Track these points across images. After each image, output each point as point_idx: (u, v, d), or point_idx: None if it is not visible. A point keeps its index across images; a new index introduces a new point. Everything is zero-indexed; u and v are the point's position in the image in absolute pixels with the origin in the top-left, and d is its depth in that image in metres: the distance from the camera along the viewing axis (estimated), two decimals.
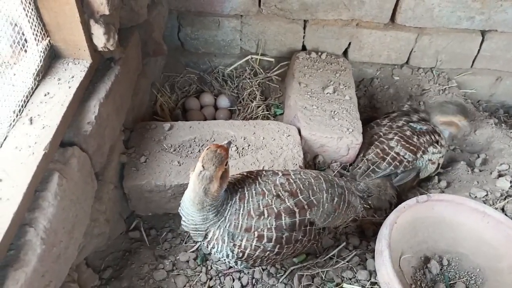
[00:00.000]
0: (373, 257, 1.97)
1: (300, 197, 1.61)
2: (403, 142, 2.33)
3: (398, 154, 2.31)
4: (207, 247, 1.61)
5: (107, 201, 1.88)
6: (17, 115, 1.51)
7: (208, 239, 1.56)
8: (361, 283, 1.95)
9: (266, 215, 1.54)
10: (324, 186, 1.70)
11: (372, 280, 1.95)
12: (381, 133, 2.41)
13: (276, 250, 1.58)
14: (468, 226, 1.99)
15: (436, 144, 2.37)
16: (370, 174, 2.29)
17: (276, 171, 1.69)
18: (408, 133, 2.37)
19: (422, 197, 1.96)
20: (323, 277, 1.97)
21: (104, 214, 1.86)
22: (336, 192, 1.73)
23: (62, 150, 1.54)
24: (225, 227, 1.52)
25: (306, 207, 1.61)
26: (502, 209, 2.15)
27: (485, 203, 2.16)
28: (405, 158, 2.30)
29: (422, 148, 2.33)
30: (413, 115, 2.49)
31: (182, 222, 1.59)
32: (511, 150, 2.48)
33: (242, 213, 1.53)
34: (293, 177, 1.67)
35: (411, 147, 2.32)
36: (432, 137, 2.39)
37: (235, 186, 1.58)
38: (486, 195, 2.25)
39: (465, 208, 1.97)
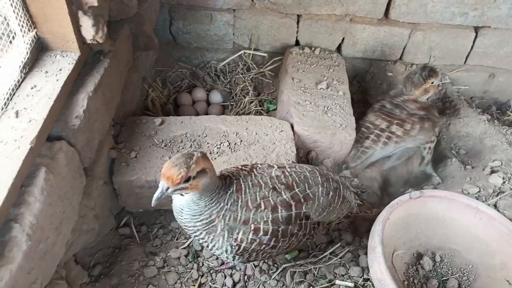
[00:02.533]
0: (366, 254, 1.96)
1: (297, 190, 1.60)
2: (383, 116, 2.38)
3: (382, 130, 2.33)
4: (208, 246, 1.58)
5: (96, 197, 1.84)
6: (2, 108, 1.47)
7: (212, 236, 1.53)
8: (353, 279, 1.94)
9: (262, 207, 1.52)
10: (319, 180, 1.68)
11: (365, 276, 1.94)
12: (366, 119, 2.47)
13: (272, 243, 1.57)
14: (461, 222, 1.99)
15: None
16: (360, 156, 2.30)
17: (272, 164, 1.67)
18: (388, 106, 2.42)
19: (415, 193, 1.95)
20: (316, 274, 1.96)
21: (93, 210, 1.82)
22: (332, 186, 1.71)
23: (49, 144, 1.50)
24: (225, 220, 1.49)
25: (302, 200, 1.60)
26: (495, 205, 2.15)
27: (477, 199, 2.15)
28: (393, 133, 2.31)
29: (410, 122, 2.34)
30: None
31: (190, 230, 1.56)
32: (503, 146, 2.48)
33: (240, 205, 1.51)
34: (289, 170, 1.65)
35: (393, 119, 2.35)
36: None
37: (230, 178, 1.56)
38: (479, 191, 2.25)
39: (458, 204, 1.97)
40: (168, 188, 1.35)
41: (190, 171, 1.34)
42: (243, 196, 1.52)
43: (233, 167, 1.66)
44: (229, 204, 1.50)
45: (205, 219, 1.50)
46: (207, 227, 1.51)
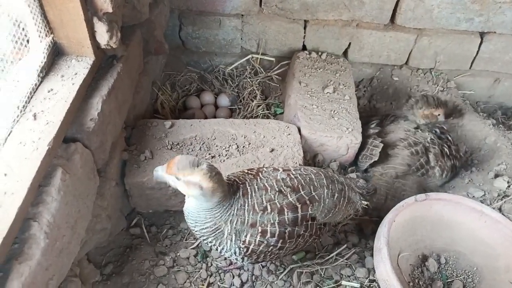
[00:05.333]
0: (372, 255, 1.99)
1: (302, 192, 1.63)
2: None
3: None
4: (217, 249, 1.64)
5: (108, 197, 1.89)
6: (21, 111, 1.52)
7: (220, 240, 1.58)
8: (359, 280, 1.98)
9: (269, 210, 1.56)
10: (324, 182, 1.72)
11: (371, 277, 1.97)
12: None
13: (279, 245, 1.61)
14: (465, 225, 2.02)
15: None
16: None
17: (277, 168, 1.71)
18: None
19: (421, 195, 1.98)
20: (322, 274, 1.99)
21: (105, 210, 1.87)
22: (337, 188, 1.75)
23: (65, 146, 1.55)
24: (233, 224, 1.54)
25: (308, 202, 1.63)
26: (500, 209, 2.18)
27: (482, 203, 2.18)
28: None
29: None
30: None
31: (197, 234, 1.62)
32: (508, 150, 2.50)
33: (247, 209, 1.55)
34: (294, 173, 1.69)
35: None
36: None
37: (236, 183, 1.60)
38: (484, 195, 2.28)
39: (463, 207, 2.00)
40: (163, 175, 1.46)
41: (179, 174, 1.42)
42: (250, 200, 1.56)
43: (240, 171, 1.71)
44: (235, 210, 1.54)
45: (209, 227, 1.55)
46: (214, 234, 1.57)
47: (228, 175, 1.69)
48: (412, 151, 2.35)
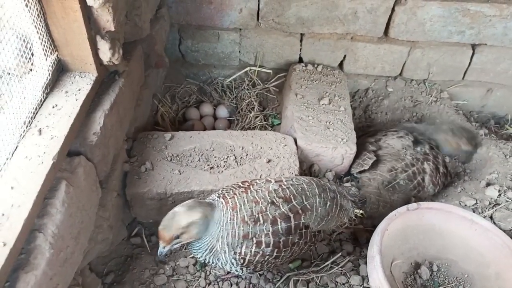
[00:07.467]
0: (366, 263, 2.05)
1: (294, 202, 1.69)
2: None
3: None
4: (216, 265, 1.71)
5: (110, 208, 1.95)
6: (27, 126, 1.59)
7: (212, 253, 1.65)
8: None
9: (261, 221, 1.62)
10: (316, 191, 1.78)
11: (365, 285, 2.02)
12: None
13: (275, 254, 1.66)
14: (457, 234, 2.07)
15: None
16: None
17: (269, 179, 1.78)
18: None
19: (413, 205, 2.03)
20: (318, 282, 2.04)
21: (107, 220, 1.93)
22: (329, 196, 1.81)
23: (69, 159, 1.62)
24: (223, 238, 1.61)
25: (300, 211, 1.69)
26: (491, 217, 2.23)
27: (474, 211, 2.23)
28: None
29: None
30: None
31: (201, 259, 1.71)
32: (500, 159, 2.56)
33: (236, 222, 1.61)
34: (286, 183, 1.75)
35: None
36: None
37: (225, 197, 1.68)
38: (476, 203, 2.33)
39: (454, 216, 2.05)
40: (164, 247, 1.57)
41: (174, 231, 1.53)
42: (239, 213, 1.62)
43: (233, 184, 1.79)
44: (224, 224, 1.61)
45: (203, 248, 1.64)
46: (210, 253, 1.65)
47: (218, 191, 1.77)
48: (409, 173, 2.41)
